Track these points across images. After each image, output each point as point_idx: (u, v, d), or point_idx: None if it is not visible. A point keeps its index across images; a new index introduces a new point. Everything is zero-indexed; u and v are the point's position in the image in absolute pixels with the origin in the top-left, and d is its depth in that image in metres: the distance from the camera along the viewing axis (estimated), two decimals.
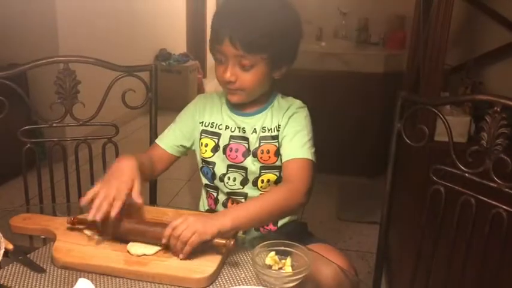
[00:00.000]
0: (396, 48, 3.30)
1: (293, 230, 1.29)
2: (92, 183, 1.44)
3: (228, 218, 0.99)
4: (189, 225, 0.93)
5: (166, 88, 4.29)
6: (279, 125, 1.21)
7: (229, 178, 1.23)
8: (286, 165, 1.17)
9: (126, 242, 0.98)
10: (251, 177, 1.22)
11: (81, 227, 1.02)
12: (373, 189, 2.92)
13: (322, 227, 2.58)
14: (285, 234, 1.18)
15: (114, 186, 1.00)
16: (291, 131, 1.19)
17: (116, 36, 4.09)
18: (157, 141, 1.30)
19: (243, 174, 1.23)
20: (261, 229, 1.26)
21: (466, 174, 1.11)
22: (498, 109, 1.04)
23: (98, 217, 0.95)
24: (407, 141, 1.20)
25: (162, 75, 4.75)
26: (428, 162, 1.20)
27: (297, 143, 1.18)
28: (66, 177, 1.43)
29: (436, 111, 1.19)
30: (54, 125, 1.38)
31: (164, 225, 0.96)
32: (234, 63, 1.13)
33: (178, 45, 5.44)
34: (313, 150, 1.19)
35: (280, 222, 1.28)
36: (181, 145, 1.28)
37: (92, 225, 1.00)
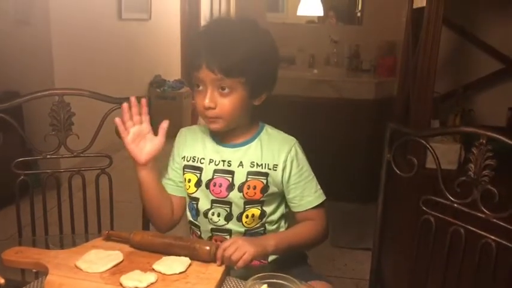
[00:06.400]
0: (387, 74, 3.36)
1: (291, 260, 1.27)
2: (85, 212, 1.44)
3: (272, 240, 1.12)
4: (238, 246, 1.03)
5: (160, 114, 4.30)
6: (275, 165, 1.19)
7: (213, 214, 1.21)
8: (306, 214, 1.23)
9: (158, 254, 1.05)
10: (235, 213, 1.21)
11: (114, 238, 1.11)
12: (366, 215, 2.91)
13: (316, 254, 2.55)
14: (283, 265, 1.18)
15: None
16: (300, 180, 1.21)
17: (110, 62, 4.14)
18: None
19: (227, 209, 1.21)
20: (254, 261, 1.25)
21: (455, 205, 1.12)
22: (484, 141, 1.06)
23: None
24: (397, 171, 1.22)
25: (157, 101, 4.78)
26: (418, 191, 1.21)
27: (310, 190, 1.22)
28: (59, 206, 1.43)
29: (425, 143, 1.20)
30: (48, 156, 1.39)
31: (195, 242, 1.08)
32: (212, 89, 1.13)
33: (173, 71, 5.48)
34: (319, 187, 1.24)
35: (272, 257, 1.24)
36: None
37: (124, 239, 1.09)
